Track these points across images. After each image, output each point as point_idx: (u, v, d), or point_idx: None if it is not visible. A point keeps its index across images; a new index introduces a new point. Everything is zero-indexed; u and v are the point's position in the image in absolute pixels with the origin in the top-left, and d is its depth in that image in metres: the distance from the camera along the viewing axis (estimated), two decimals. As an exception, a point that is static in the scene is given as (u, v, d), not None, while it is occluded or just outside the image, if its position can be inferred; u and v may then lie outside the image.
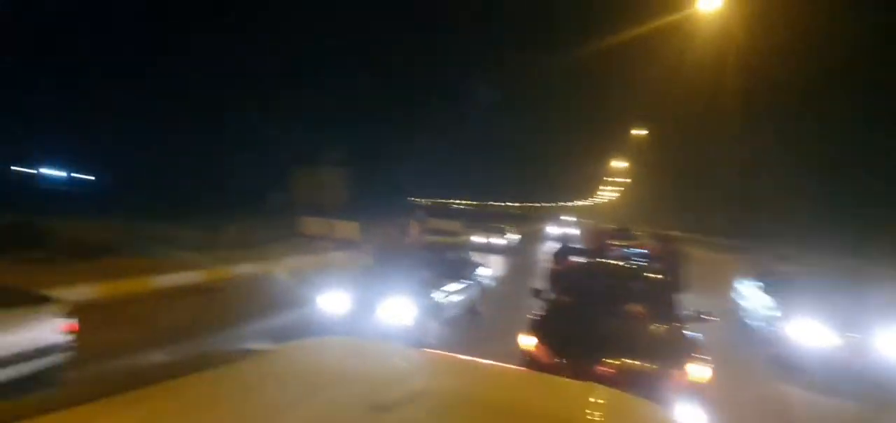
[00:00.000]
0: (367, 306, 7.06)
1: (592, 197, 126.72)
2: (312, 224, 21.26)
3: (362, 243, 18.98)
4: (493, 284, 11.15)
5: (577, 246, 11.07)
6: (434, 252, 9.30)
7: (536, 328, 4.93)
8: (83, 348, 4.94)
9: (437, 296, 7.53)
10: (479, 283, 9.55)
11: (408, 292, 7.11)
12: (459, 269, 8.82)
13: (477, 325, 8.75)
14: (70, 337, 4.76)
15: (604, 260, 7.95)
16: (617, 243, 14.15)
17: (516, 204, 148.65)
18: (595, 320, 5.01)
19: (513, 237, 25.48)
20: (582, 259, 8.22)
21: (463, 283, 8.56)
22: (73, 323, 4.82)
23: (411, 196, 72.86)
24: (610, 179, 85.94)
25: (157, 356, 6.14)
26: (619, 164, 67.29)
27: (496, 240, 24.06)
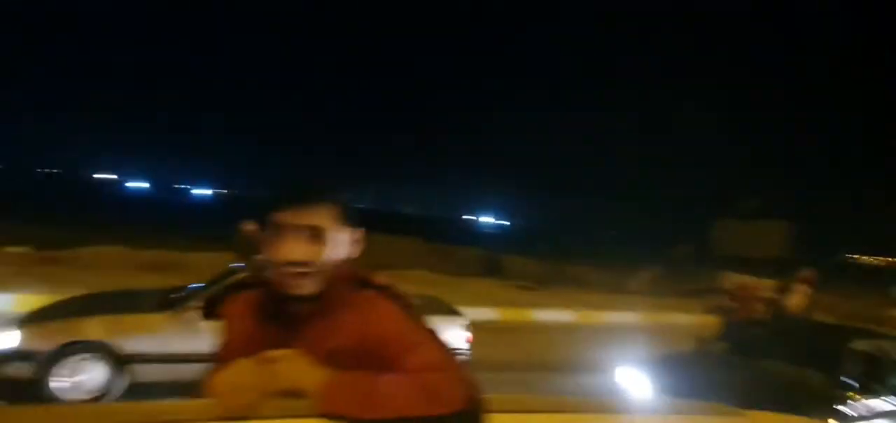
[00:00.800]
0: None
1: None
2: (733, 280, 18.34)
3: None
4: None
5: None
6: (838, 337, 5.74)
7: None
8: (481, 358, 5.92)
9: (831, 415, 4.56)
10: None
11: (766, 401, 4.09)
12: (888, 374, 5.24)
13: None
14: (468, 346, 5.85)
15: None
16: None
17: None
18: None
19: None
20: None
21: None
22: (470, 335, 5.92)
23: (848, 253, 56.82)
24: None
25: (536, 382, 6.57)
26: None
27: None
